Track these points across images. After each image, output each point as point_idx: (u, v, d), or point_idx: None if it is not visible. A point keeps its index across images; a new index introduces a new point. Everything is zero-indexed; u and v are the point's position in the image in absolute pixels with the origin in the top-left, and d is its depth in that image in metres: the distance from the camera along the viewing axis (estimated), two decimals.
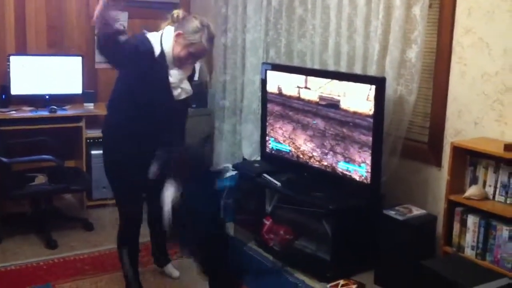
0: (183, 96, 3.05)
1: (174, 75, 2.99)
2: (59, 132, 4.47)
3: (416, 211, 3.34)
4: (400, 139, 3.55)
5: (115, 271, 3.47)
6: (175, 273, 3.54)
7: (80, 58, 4.80)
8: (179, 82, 3.01)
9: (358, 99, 3.38)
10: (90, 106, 4.84)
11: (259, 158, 4.34)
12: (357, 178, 3.45)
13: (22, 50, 4.75)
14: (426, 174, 3.52)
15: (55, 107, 4.54)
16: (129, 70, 2.93)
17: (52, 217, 4.21)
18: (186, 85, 3.07)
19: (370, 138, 3.34)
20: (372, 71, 3.58)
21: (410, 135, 3.58)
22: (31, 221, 4.15)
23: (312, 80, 3.69)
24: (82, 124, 4.56)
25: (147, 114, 2.96)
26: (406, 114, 3.49)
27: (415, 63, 3.38)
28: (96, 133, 4.66)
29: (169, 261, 3.59)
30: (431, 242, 3.28)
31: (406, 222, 3.24)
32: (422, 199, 3.50)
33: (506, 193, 2.94)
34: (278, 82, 3.95)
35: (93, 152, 4.63)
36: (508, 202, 2.94)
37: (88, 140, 4.64)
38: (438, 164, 3.42)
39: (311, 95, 3.69)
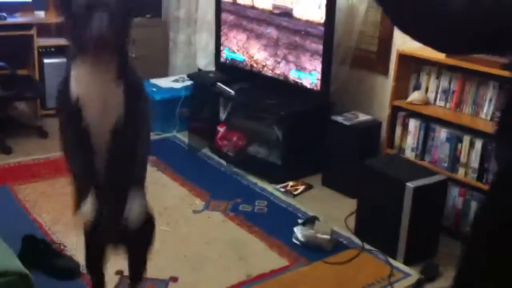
0: None
1: None
2: (11, 40, 4.39)
3: (363, 117, 3.51)
4: (350, 49, 3.66)
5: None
6: None
7: None
8: None
9: (310, 7, 3.44)
10: (41, 13, 4.71)
11: (214, 69, 4.39)
12: (308, 86, 3.57)
13: None
14: (373, 82, 3.67)
15: (4, 14, 4.42)
16: None
17: (6, 125, 4.21)
18: None
19: (321, 47, 3.44)
20: None
21: (360, 45, 3.69)
22: None
23: None
24: (33, 32, 4.46)
25: None
26: (357, 23, 3.58)
27: None
28: (49, 41, 4.62)
29: None
30: (376, 146, 3.48)
31: (352, 127, 3.41)
32: (369, 106, 3.66)
33: (446, 98, 3.13)
34: None
35: (45, 61, 4.57)
36: (447, 106, 3.13)
37: (40, 49, 4.57)
38: (385, 72, 3.57)
39: (265, 4, 3.73)
